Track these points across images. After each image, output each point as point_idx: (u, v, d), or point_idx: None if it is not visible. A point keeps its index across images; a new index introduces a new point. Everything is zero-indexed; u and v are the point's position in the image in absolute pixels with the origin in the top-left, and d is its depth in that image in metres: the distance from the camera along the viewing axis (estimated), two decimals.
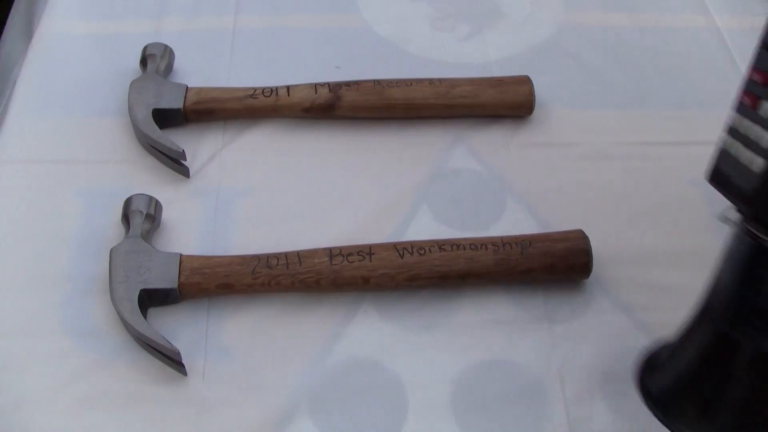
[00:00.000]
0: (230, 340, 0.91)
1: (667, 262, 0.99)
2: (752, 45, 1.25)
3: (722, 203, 1.04)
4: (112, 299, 0.89)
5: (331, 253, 0.92)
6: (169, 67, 1.13)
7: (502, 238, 0.95)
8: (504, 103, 1.10)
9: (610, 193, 1.06)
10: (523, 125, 1.12)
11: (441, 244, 0.94)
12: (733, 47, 1.23)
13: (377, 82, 1.09)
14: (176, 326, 0.91)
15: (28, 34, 1.23)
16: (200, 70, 1.15)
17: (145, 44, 1.13)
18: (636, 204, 1.05)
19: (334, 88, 1.08)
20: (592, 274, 0.95)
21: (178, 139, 1.04)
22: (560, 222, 1.01)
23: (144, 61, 1.12)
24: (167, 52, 1.13)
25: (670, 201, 1.05)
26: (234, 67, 1.16)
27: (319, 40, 1.21)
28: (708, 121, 1.14)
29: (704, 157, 1.10)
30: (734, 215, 0.70)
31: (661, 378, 0.81)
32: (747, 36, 1.25)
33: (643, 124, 1.14)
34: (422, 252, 0.93)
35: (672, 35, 1.25)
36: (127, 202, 0.96)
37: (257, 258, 0.92)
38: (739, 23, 1.27)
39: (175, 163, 1.03)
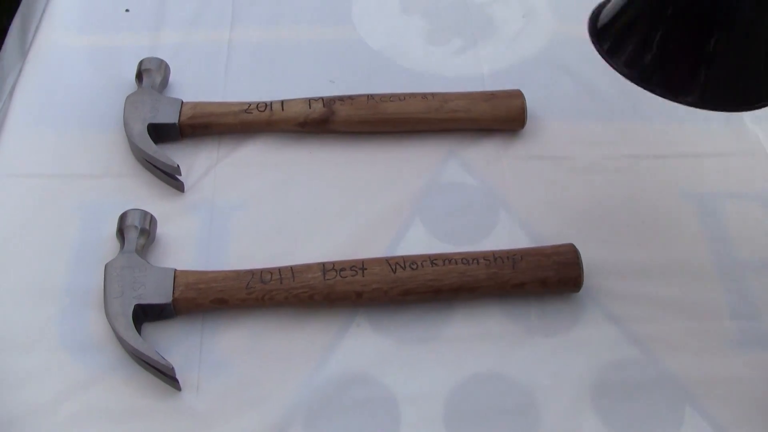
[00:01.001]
0: (224, 355, 0.91)
1: (658, 275, 1.00)
2: None
3: (716, 213, 1.05)
4: (107, 314, 0.89)
5: (324, 268, 0.93)
6: (165, 82, 1.14)
7: (493, 253, 0.96)
8: (496, 117, 1.11)
9: (602, 205, 1.07)
10: (516, 139, 1.12)
11: (433, 259, 0.94)
12: None
13: (371, 97, 1.10)
14: (171, 341, 0.92)
15: (23, 46, 1.23)
16: (196, 84, 1.16)
17: (141, 59, 1.14)
18: (627, 217, 1.06)
19: (328, 102, 1.09)
20: (583, 287, 0.96)
21: (173, 153, 1.05)
22: (552, 235, 1.01)
23: (140, 76, 1.12)
24: (163, 67, 1.13)
25: (662, 214, 1.06)
26: (229, 81, 1.17)
27: (313, 54, 1.22)
28: (699, 134, 1.15)
29: (695, 170, 1.11)
30: None
31: (607, 15, 0.87)
32: None
33: (635, 137, 1.14)
34: (414, 267, 0.93)
35: None
36: (122, 217, 0.97)
37: (251, 273, 0.93)
38: None
39: (170, 177, 1.04)
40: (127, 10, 1.26)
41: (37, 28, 1.24)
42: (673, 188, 1.08)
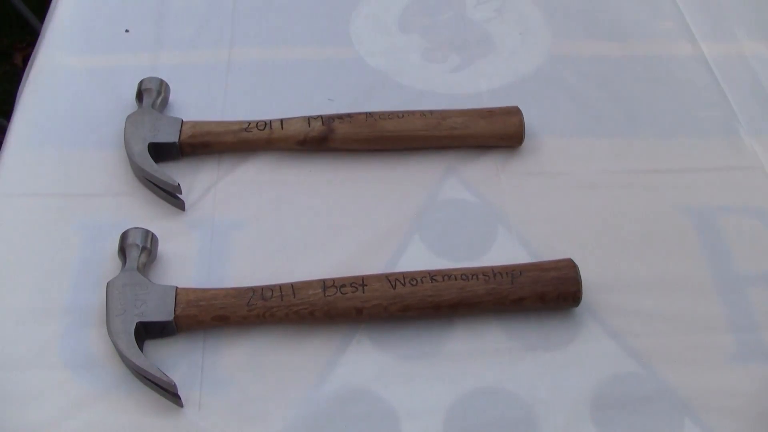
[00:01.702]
0: (225, 372, 0.92)
1: (657, 290, 1.01)
2: (737, 72, 1.27)
3: (714, 227, 1.05)
4: (109, 332, 0.90)
5: (324, 284, 0.94)
6: (165, 101, 1.15)
7: (492, 268, 0.96)
8: (494, 134, 1.12)
9: (600, 221, 1.07)
10: (514, 155, 1.13)
11: (433, 275, 0.95)
12: (719, 74, 1.24)
13: (369, 115, 1.11)
14: (172, 358, 0.92)
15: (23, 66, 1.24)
16: (195, 104, 1.17)
17: (141, 79, 1.14)
18: (626, 232, 1.06)
19: (327, 120, 1.10)
20: (582, 302, 0.96)
21: (174, 172, 1.06)
22: (551, 250, 1.02)
23: (140, 96, 1.13)
24: (163, 87, 1.14)
25: (660, 229, 1.07)
26: (229, 101, 1.18)
27: (312, 73, 1.22)
28: (696, 148, 1.16)
29: (693, 184, 1.12)
30: None
31: None
32: (732, 63, 1.26)
33: (632, 152, 1.15)
34: (414, 283, 0.94)
35: (660, 63, 1.27)
36: (124, 236, 0.98)
37: (252, 290, 0.93)
38: (725, 50, 1.29)
39: (171, 196, 1.04)
40: (127, 31, 1.27)
41: (38, 48, 1.25)
42: (671, 203, 1.09)
